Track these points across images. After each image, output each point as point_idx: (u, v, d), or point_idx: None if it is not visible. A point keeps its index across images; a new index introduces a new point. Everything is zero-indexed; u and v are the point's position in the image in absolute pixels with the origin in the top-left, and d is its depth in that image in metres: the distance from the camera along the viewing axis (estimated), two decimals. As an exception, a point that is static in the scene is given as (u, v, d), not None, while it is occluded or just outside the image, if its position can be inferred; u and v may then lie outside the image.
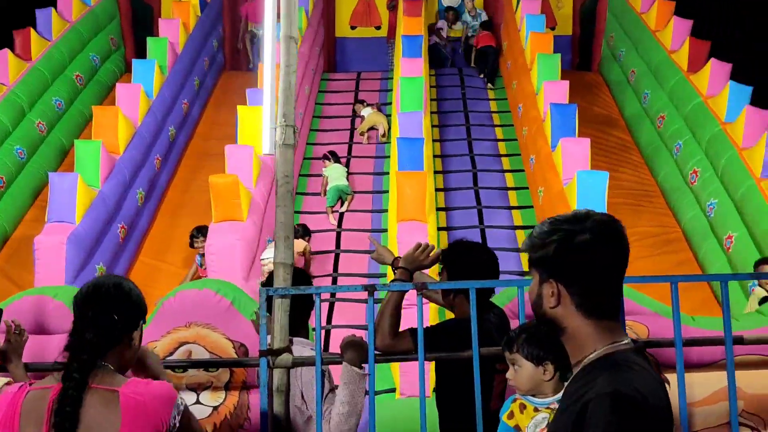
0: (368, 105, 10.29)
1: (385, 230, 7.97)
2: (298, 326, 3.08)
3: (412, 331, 2.92)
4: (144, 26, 11.63)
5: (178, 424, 2.00)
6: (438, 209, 7.94)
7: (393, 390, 5.79)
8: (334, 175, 8.49)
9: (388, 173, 8.90)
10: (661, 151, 8.79)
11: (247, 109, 7.45)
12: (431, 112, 9.48)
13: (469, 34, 12.00)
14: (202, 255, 6.97)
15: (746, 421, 3.68)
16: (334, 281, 7.32)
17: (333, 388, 2.93)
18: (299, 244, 7.22)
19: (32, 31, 9.38)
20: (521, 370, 2.27)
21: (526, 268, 7.44)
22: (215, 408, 3.71)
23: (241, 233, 6.30)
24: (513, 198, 8.66)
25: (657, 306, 3.81)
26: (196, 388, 3.71)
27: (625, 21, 10.70)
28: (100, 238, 6.73)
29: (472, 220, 8.24)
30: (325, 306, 6.70)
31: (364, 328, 6.64)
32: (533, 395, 2.30)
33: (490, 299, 3.21)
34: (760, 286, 5.79)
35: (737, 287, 6.42)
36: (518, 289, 2.97)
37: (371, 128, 9.89)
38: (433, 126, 9.35)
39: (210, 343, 3.69)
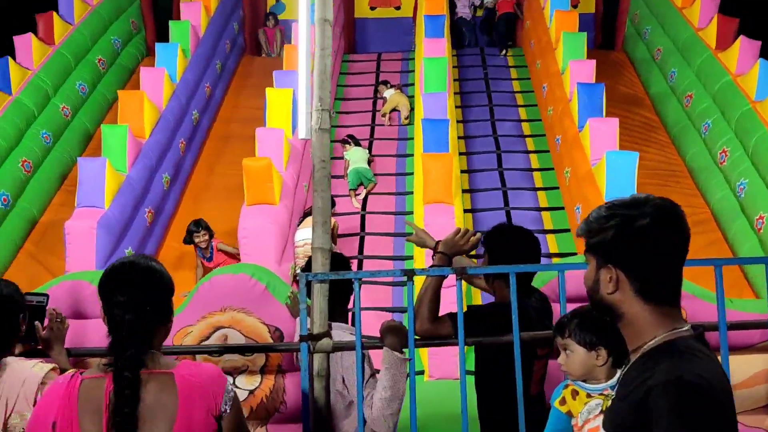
0: (391, 86, 10.23)
1: (410, 212, 7.95)
2: (336, 311, 3.08)
3: (452, 316, 2.92)
4: (163, 9, 11.62)
5: (228, 410, 1.99)
6: (462, 191, 7.90)
7: (422, 372, 5.81)
8: (355, 158, 8.46)
9: (411, 155, 8.88)
10: (689, 131, 8.67)
11: (275, 91, 7.42)
12: (453, 93, 9.40)
13: (490, 5, 11.85)
14: (204, 248, 6.99)
15: (784, 405, 3.65)
16: (360, 264, 7.32)
17: (374, 373, 2.93)
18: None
19: (55, 14, 9.40)
20: (573, 356, 2.25)
21: (552, 250, 7.39)
22: (251, 392, 3.73)
23: (273, 217, 6.30)
24: (538, 179, 8.59)
25: (693, 288, 3.77)
26: (232, 372, 3.73)
27: (651, -2, 10.53)
28: (128, 222, 6.77)
29: (497, 201, 8.18)
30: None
31: (391, 310, 6.71)
32: (585, 381, 2.28)
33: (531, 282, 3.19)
34: None
35: (761, 269, 6.34)
36: (559, 273, 2.95)
37: (393, 110, 9.83)
38: (455, 107, 9.28)
39: (245, 328, 3.70)
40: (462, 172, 8.38)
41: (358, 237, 7.82)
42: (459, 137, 8.97)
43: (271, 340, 3.65)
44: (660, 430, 1.47)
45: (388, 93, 10.06)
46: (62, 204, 8.12)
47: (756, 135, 7.38)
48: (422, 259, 6.28)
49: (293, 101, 7.55)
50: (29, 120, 8.20)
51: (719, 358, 2.80)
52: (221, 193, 8.50)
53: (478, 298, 6.61)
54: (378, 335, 2.91)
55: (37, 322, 2.86)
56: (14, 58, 8.62)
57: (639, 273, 1.61)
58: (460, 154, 8.74)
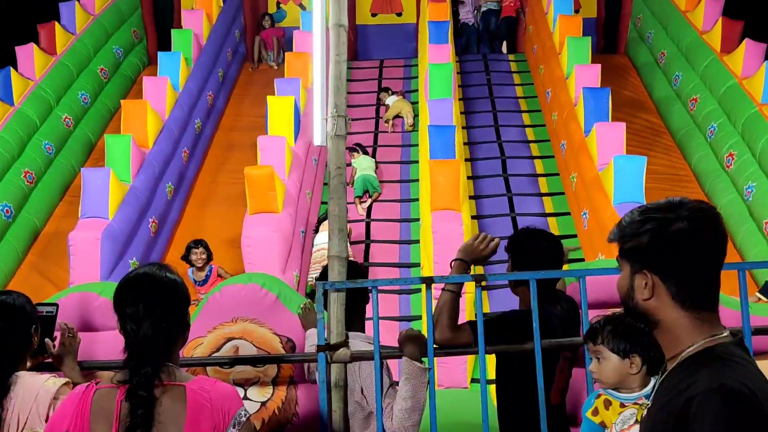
0: (393, 93, 10.19)
1: (416, 220, 7.89)
2: (352, 320, 3.02)
3: (472, 324, 2.86)
4: (164, 18, 11.60)
5: None
6: (468, 197, 7.85)
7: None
8: (363, 166, 8.41)
9: (415, 162, 8.83)
10: (695, 135, 8.63)
11: (276, 99, 7.37)
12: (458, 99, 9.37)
13: (491, 6, 11.83)
14: (199, 267, 6.71)
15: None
16: (366, 271, 7.25)
17: (393, 383, 2.87)
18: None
19: (57, 24, 9.38)
20: (606, 363, 2.19)
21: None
22: (263, 403, 3.67)
23: (276, 225, 6.24)
24: (543, 185, 8.54)
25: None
26: (244, 383, 3.67)
27: (654, 2, 10.50)
28: (132, 233, 6.72)
29: (502, 207, 8.13)
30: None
31: (399, 319, 6.65)
32: (617, 390, 2.21)
33: (557, 288, 3.13)
34: None
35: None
36: (580, 279, 2.89)
37: (396, 116, 9.79)
38: (460, 113, 9.24)
39: (257, 339, 3.65)
40: (467, 178, 8.33)
41: (364, 244, 7.76)
42: (463, 143, 8.93)
43: (283, 351, 3.59)
44: None
45: (391, 100, 10.02)
46: (65, 215, 8.07)
47: (763, 138, 7.34)
48: (429, 266, 6.23)
49: (295, 109, 7.52)
50: (32, 130, 8.16)
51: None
52: (224, 202, 8.45)
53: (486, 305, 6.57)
54: (389, 344, 2.86)
55: (47, 340, 2.80)
56: (16, 69, 8.59)
57: (676, 278, 1.56)
58: (465, 160, 8.70)
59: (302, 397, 3.61)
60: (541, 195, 8.34)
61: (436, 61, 8.14)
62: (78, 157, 8.75)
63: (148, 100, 7.72)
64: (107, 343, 3.41)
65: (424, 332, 2.87)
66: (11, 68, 8.40)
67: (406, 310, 6.72)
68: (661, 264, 1.57)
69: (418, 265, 7.20)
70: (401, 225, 8.03)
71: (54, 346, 2.83)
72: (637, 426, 2.05)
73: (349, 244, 7.07)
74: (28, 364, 2.67)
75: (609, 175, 6.48)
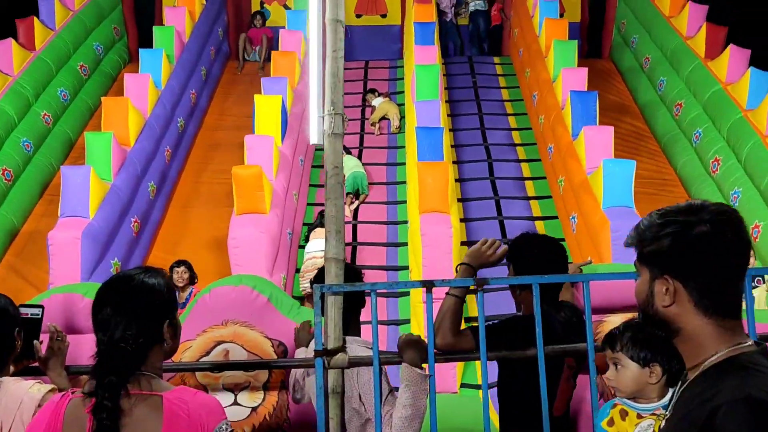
0: (380, 94, 10.12)
1: (403, 222, 7.82)
2: (349, 324, 2.94)
3: (473, 329, 2.79)
4: (145, 15, 11.43)
5: None
6: (455, 200, 7.81)
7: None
8: (349, 165, 8.31)
9: (402, 164, 8.77)
10: (680, 140, 8.66)
11: (264, 98, 7.26)
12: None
13: (478, 7, 11.81)
14: (180, 287, 6.25)
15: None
16: (352, 274, 7.15)
17: (392, 390, 2.79)
18: None
19: (35, 20, 9.18)
20: (625, 371, 2.12)
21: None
22: (254, 409, 3.57)
23: (264, 226, 6.13)
24: (530, 188, 8.52)
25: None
26: (234, 388, 3.57)
27: (638, 7, 10.54)
28: (114, 232, 6.56)
29: (489, 211, 8.09)
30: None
31: (386, 323, 6.56)
32: (634, 399, 2.15)
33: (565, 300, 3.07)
34: None
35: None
36: (584, 284, 2.83)
37: (383, 118, 9.71)
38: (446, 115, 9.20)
39: (248, 342, 3.55)
40: (454, 181, 8.28)
41: (351, 247, 7.67)
42: (450, 146, 8.89)
43: (274, 355, 3.50)
44: None
45: (377, 101, 9.94)
46: (43, 214, 7.89)
47: (749, 143, 7.38)
48: (418, 269, 6.15)
49: (282, 108, 7.41)
50: (10, 127, 7.96)
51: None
52: (208, 202, 8.32)
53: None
54: (380, 348, 2.78)
55: (36, 342, 2.67)
56: (-6, 64, 8.40)
57: (698, 283, 1.50)
58: (452, 162, 8.65)
59: (294, 402, 3.51)
60: (528, 198, 8.31)
61: (423, 63, 8.08)
62: (57, 155, 8.56)
63: (129, 98, 7.56)
64: (93, 347, 3.30)
65: (415, 336, 2.80)
66: (-12, 64, 8.21)
67: (394, 314, 6.64)
68: (682, 269, 1.50)
69: (406, 268, 7.13)
70: (388, 227, 7.96)
71: (41, 349, 2.71)
72: (655, 437, 1.99)
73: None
74: (12, 369, 2.55)
75: (598, 179, 6.46)
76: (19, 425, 2.32)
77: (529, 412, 2.71)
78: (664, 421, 1.59)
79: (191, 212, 8.20)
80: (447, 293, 2.81)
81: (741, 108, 7.79)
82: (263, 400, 3.58)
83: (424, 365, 2.71)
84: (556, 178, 7.88)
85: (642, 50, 10.16)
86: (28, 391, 2.39)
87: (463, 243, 7.10)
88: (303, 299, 6.38)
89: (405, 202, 7.99)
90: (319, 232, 6.96)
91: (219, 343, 3.58)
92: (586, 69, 8.19)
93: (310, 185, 8.52)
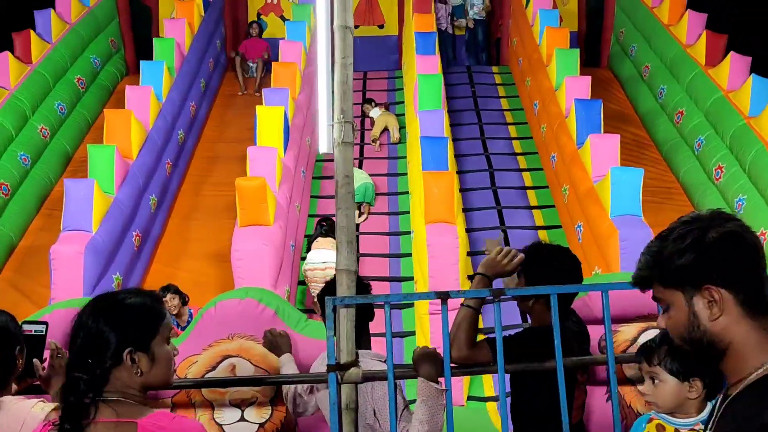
0: (376, 105, 10.07)
1: (406, 233, 7.75)
2: (359, 337, 2.86)
3: (490, 341, 2.71)
4: (142, 27, 11.39)
5: None
6: (458, 210, 7.75)
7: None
8: (359, 177, 8.16)
9: (403, 174, 8.71)
10: (681, 148, 8.62)
11: (265, 109, 7.20)
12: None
13: (477, 17, 11.79)
14: (175, 315, 6.09)
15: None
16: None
17: (407, 405, 2.71)
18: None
19: (32, 33, 9.12)
20: (663, 386, 2.04)
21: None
22: (261, 425, 3.49)
23: (268, 238, 6.05)
24: (533, 197, 8.47)
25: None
26: (240, 404, 3.49)
27: (636, 16, 10.54)
28: (116, 246, 6.47)
29: (492, 221, 8.04)
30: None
31: (393, 335, 6.45)
32: (671, 414, 2.07)
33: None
34: None
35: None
36: (603, 293, 2.77)
37: (383, 131, 9.66)
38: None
39: (255, 356, 3.47)
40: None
41: (353, 258, 7.58)
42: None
43: (293, 360, 3.42)
44: None
45: (374, 112, 9.89)
46: (41, 228, 7.80)
47: (752, 151, 7.34)
48: (424, 280, 6.08)
49: (284, 119, 7.35)
50: (7, 141, 7.89)
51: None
52: (208, 215, 8.25)
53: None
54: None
55: (36, 360, 2.58)
56: (-10, 77, 8.33)
57: (740, 282, 1.42)
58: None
59: (302, 418, 3.42)
60: (531, 208, 8.26)
61: (424, 72, 8.04)
62: (54, 169, 8.48)
63: (131, 110, 7.49)
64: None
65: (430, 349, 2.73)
66: (-15, 77, 8.14)
67: (398, 326, 6.56)
68: (721, 272, 1.42)
69: (409, 278, 7.06)
70: (390, 238, 7.89)
71: (43, 367, 2.62)
72: (693, 453, 1.92)
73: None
74: (15, 387, 2.46)
75: (605, 187, 6.40)
76: (22, 445, 2.24)
77: (544, 422, 2.65)
78: None
79: (192, 225, 8.13)
80: (462, 304, 2.73)
81: (743, 115, 7.76)
82: (271, 415, 3.49)
83: (440, 379, 2.64)
84: (560, 186, 7.83)
85: (641, 59, 10.15)
86: (31, 410, 2.30)
87: (467, 254, 7.03)
88: (310, 312, 6.32)
89: (407, 212, 7.93)
90: (321, 242, 6.92)
91: (225, 357, 3.50)
92: (589, 78, 8.17)
93: (312, 196, 8.45)
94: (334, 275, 2.78)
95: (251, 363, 3.45)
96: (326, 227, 7.02)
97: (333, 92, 2.86)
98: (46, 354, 2.67)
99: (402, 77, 10.75)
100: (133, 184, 7.01)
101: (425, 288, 6.01)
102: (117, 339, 1.82)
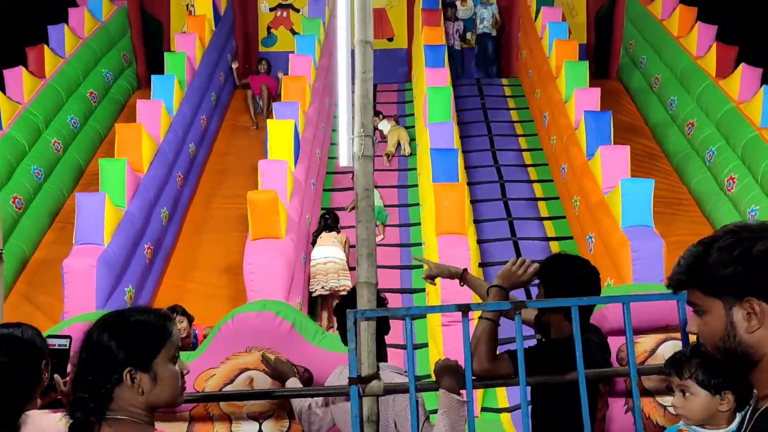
0: (384, 117, 10.10)
1: (417, 244, 7.76)
2: (378, 350, 2.86)
3: (511, 354, 2.71)
4: (153, 41, 11.49)
5: None
6: (469, 222, 7.75)
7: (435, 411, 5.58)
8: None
9: (414, 186, 8.73)
10: (693, 159, 8.62)
11: (276, 123, 7.24)
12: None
13: (486, 30, 11.84)
14: (184, 338, 5.60)
15: None
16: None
17: (428, 417, 2.71)
18: (341, 236, 7.25)
19: (45, 47, 9.22)
20: (694, 399, 2.03)
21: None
22: (279, 438, 3.48)
23: (280, 251, 6.07)
24: (543, 209, 8.47)
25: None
26: (258, 417, 3.49)
27: (645, 28, 10.57)
28: (128, 259, 6.50)
29: (504, 232, 8.04)
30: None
31: (402, 347, 6.45)
32: (702, 426, 2.06)
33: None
34: None
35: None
36: (624, 305, 2.76)
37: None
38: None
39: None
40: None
41: (364, 270, 7.59)
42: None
43: (299, 383, 3.41)
44: None
45: (383, 125, 9.92)
46: (54, 241, 7.85)
47: (765, 161, 7.34)
48: (436, 292, 6.08)
49: (294, 132, 7.39)
50: (20, 155, 7.95)
51: None
52: (219, 228, 8.27)
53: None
54: None
55: (57, 376, 2.59)
56: (4, 92, 8.42)
57: None
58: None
59: (310, 432, 3.41)
60: (542, 219, 8.26)
61: (434, 85, 8.07)
62: (67, 182, 8.55)
63: (142, 123, 7.55)
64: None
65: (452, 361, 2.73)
66: (-1, 92, 8.23)
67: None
68: (766, 286, 1.42)
69: (421, 290, 7.06)
70: (401, 250, 7.90)
71: (65, 382, 2.62)
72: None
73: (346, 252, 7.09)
74: (39, 402, 2.47)
75: (616, 199, 6.40)
76: (47, 459, 2.24)
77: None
78: None
79: (203, 238, 8.16)
80: (480, 317, 2.73)
81: (755, 126, 7.76)
82: (288, 428, 3.49)
83: (461, 391, 2.64)
84: (571, 198, 7.83)
85: (651, 70, 10.16)
86: (57, 424, 2.30)
87: (479, 265, 7.04)
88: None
89: (419, 224, 7.94)
90: (324, 237, 7.10)
91: (243, 370, 3.50)
92: (598, 89, 8.18)
93: (322, 209, 8.48)
94: (353, 287, 2.79)
95: (269, 376, 3.46)
96: (329, 220, 7.23)
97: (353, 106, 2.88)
98: (69, 368, 2.68)
99: (411, 90, 10.79)
100: (145, 197, 7.05)
101: (437, 299, 6.01)
102: (118, 357, 1.82)
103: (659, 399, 3.31)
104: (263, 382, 3.46)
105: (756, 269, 1.41)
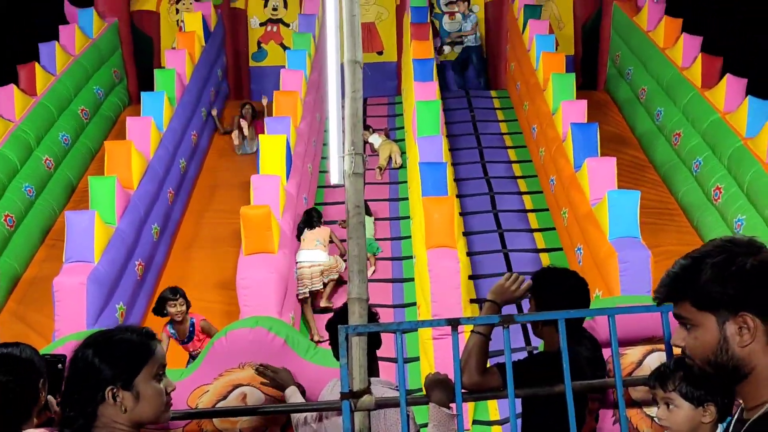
0: (375, 131, 10.16)
1: (408, 257, 7.80)
2: (369, 365, 2.90)
3: (500, 367, 2.76)
4: (143, 57, 11.54)
5: None
6: (459, 234, 7.80)
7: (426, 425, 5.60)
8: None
9: (404, 199, 8.78)
10: (680, 169, 8.72)
11: (268, 138, 7.29)
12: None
13: (470, 44, 11.95)
14: (179, 322, 5.85)
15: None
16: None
17: (419, 430, 2.76)
18: (321, 233, 7.27)
19: (36, 65, 9.25)
20: (678, 411, 2.08)
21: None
22: (271, 453, 3.51)
23: (273, 266, 6.10)
24: (533, 220, 8.54)
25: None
26: (251, 432, 3.52)
27: (631, 40, 10.69)
28: (119, 276, 6.51)
29: (494, 244, 8.09)
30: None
31: (392, 360, 6.47)
32: None
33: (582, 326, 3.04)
34: None
35: None
36: (609, 318, 2.81)
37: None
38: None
39: (265, 385, 3.50)
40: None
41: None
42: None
43: (298, 391, 3.45)
44: None
45: (374, 139, 9.97)
46: (45, 259, 7.85)
47: (750, 171, 7.42)
48: (427, 305, 6.12)
49: (287, 147, 7.44)
50: (12, 173, 7.97)
51: None
52: (211, 243, 8.29)
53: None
54: None
55: (50, 397, 2.62)
56: (-5, 110, 8.43)
57: None
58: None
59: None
60: (532, 231, 8.32)
61: (422, 99, 8.15)
62: (59, 200, 8.56)
63: (132, 140, 7.58)
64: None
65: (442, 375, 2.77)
66: (-10, 110, 8.24)
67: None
68: (761, 300, 1.46)
69: (412, 304, 7.10)
70: (393, 263, 7.93)
71: (57, 403, 2.65)
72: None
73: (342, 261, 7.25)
74: (35, 421, 2.50)
75: (603, 210, 6.48)
76: (43, 477, 2.27)
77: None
78: None
79: (195, 253, 8.17)
80: (472, 331, 2.78)
81: (740, 136, 7.85)
82: (281, 443, 3.52)
83: (451, 404, 2.68)
84: (560, 209, 7.90)
85: (637, 81, 10.28)
86: (51, 442, 2.34)
87: (469, 277, 7.08)
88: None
89: (409, 237, 7.99)
90: (308, 239, 7.21)
91: (236, 386, 3.54)
92: (585, 101, 8.27)
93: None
94: (345, 304, 2.83)
95: (262, 391, 3.49)
96: (314, 217, 7.38)
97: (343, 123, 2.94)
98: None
99: (401, 103, 10.86)
100: (135, 214, 7.07)
101: (428, 313, 6.05)
102: (100, 376, 1.87)
103: (647, 410, 3.36)
104: (256, 397, 3.50)
105: (751, 285, 1.46)
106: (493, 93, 11.52)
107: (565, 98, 8.34)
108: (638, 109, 10.12)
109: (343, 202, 8.28)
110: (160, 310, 5.92)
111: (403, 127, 10.22)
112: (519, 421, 3.01)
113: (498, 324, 2.71)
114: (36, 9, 11.06)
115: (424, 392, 2.82)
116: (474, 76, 11.99)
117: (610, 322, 2.81)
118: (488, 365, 2.80)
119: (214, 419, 3.48)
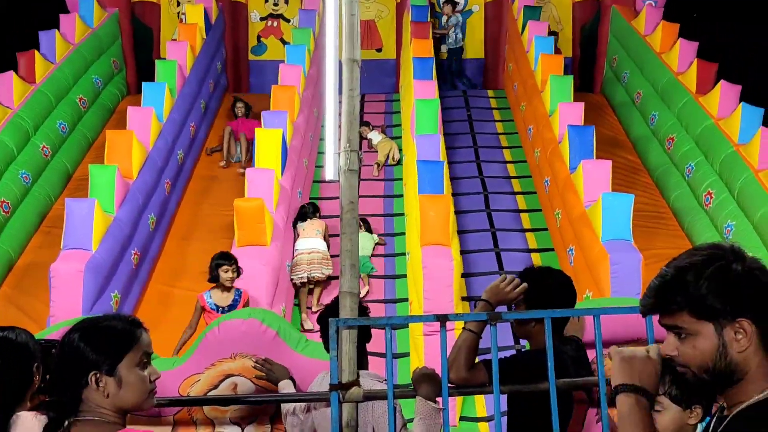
0: (374, 127, 10.21)
1: (402, 254, 7.86)
2: (359, 358, 2.96)
3: (486, 363, 2.82)
4: (143, 48, 11.56)
5: None
6: (453, 232, 7.86)
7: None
8: (361, 244, 8.14)
9: (399, 196, 8.84)
10: (672, 173, 8.79)
11: (264, 132, 7.34)
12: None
13: (451, 46, 12.02)
14: (227, 289, 5.80)
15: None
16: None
17: (405, 423, 2.82)
18: (320, 224, 7.38)
19: (36, 53, 9.27)
20: (666, 413, 2.13)
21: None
22: (261, 443, 3.57)
23: (266, 258, 6.16)
24: (526, 220, 8.61)
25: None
26: (240, 422, 3.58)
27: (629, 43, 10.76)
28: (115, 265, 6.56)
29: (486, 243, 8.16)
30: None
31: (383, 356, 6.53)
32: None
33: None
34: None
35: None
36: (594, 318, 2.87)
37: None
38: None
39: (256, 375, 3.56)
40: (452, 213, 8.34)
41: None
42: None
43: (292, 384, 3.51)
44: None
45: (373, 135, 10.02)
46: (40, 245, 7.88)
47: (741, 178, 7.50)
48: (419, 302, 6.19)
49: (282, 142, 7.49)
50: (9, 159, 7.99)
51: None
52: (206, 235, 8.33)
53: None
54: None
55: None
56: (-6, 97, 8.45)
57: (765, 313, 1.49)
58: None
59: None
60: (524, 231, 8.39)
61: (422, 97, 8.20)
62: (55, 187, 8.59)
63: (133, 130, 7.62)
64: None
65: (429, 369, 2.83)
66: (-11, 96, 8.26)
67: (393, 347, 6.62)
68: (757, 306, 1.49)
69: (405, 300, 7.16)
70: (385, 259, 7.99)
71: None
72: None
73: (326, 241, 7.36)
74: (28, 404, 2.56)
75: (597, 212, 6.54)
76: (37, 460, 2.32)
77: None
78: None
79: (190, 244, 8.21)
80: (463, 328, 2.84)
81: (733, 142, 7.93)
82: (270, 432, 3.58)
83: (437, 398, 2.74)
84: (553, 210, 7.97)
85: (633, 85, 10.35)
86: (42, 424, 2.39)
87: (462, 275, 7.15)
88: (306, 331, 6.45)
89: (403, 234, 8.05)
90: (307, 229, 7.28)
91: (227, 376, 3.60)
92: (582, 104, 8.33)
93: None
94: (336, 297, 2.88)
95: (252, 382, 3.55)
96: (310, 209, 7.50)
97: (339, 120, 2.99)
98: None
99: (399, 100, 10.91)
100: (133, 204, 7.12)
101: (420, 310, 6.12)
102: (85, 361, 1.92)
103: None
104: (247, 388, 3.56)
105: (749, 292, 1.49)
106: (490, 93, 11.57)
107: (563, 100, 8.40)
108: (633, 112, 10.19)
109: (337, 197, 8.32)
110: (214, 277, 5.89)
111: (399, 125, 10.27)
112: (505, 418, 3.07)
113: (486, 321, 2.78)
114: (37, -3, 11.10)
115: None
116: (458, 76, 12.08)
117: (595, 322, 2.88)
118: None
119: (204, 408, 3.54)
